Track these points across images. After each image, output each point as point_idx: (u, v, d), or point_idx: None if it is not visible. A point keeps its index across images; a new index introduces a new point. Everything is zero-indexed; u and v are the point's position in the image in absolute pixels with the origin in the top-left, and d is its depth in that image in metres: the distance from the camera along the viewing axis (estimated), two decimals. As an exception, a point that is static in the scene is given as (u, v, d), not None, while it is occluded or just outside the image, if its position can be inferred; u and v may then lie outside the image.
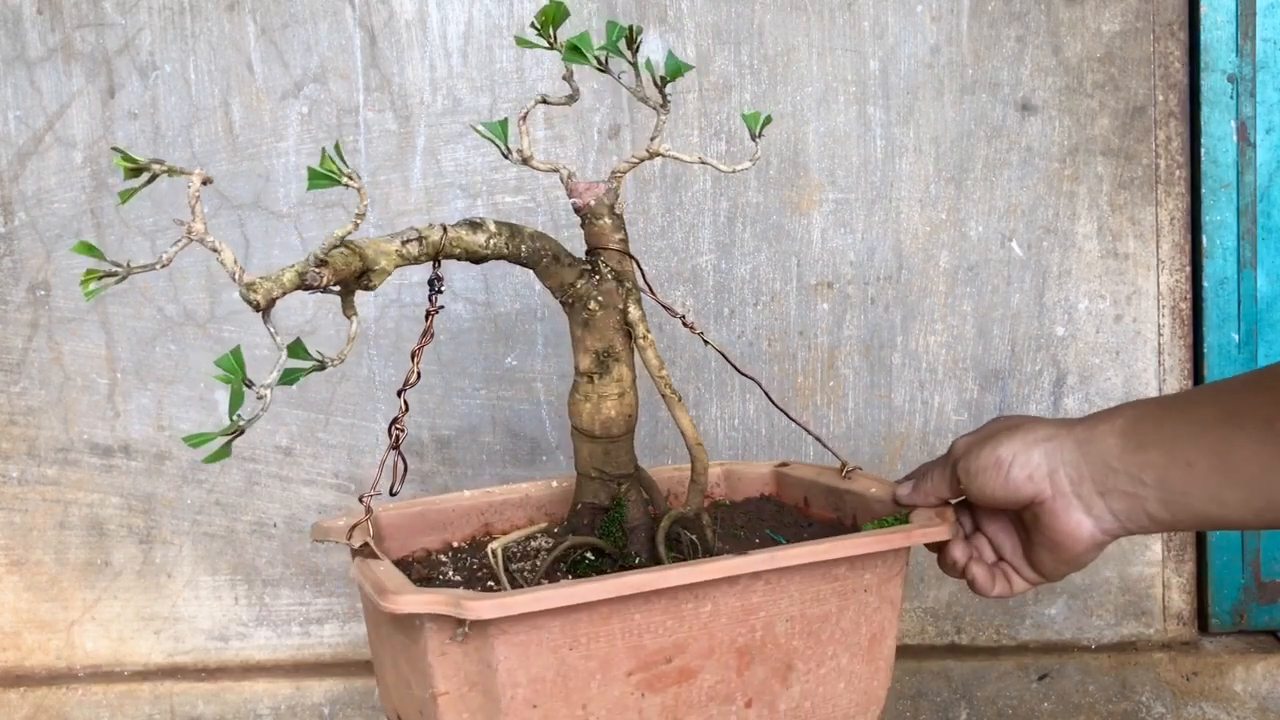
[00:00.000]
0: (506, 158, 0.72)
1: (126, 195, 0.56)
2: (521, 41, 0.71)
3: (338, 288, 0.65)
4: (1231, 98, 1.17)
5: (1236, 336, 1.19)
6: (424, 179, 1.20)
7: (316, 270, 0.63)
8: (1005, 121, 1.18)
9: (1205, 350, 1.19)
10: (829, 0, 1.17)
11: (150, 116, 1.20)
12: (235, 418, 0.60)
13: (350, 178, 0.63)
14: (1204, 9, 1.16)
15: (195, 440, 0.59)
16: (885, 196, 1.19)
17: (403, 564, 0.77)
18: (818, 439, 0.86)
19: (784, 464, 0.91)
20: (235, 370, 0.60)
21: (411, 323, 1.21)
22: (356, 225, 0.63)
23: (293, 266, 0.63)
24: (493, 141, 0.71)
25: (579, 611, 0.61)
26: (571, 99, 0.72)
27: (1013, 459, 0.65)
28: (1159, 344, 1.19)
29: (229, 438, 0.60)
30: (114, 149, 0.56)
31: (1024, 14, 1.16)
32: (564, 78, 0.72)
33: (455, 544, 0.81)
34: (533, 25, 0.70)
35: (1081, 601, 1.21)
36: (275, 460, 1.23)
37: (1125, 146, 1.17)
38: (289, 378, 0.62)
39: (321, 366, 0.61)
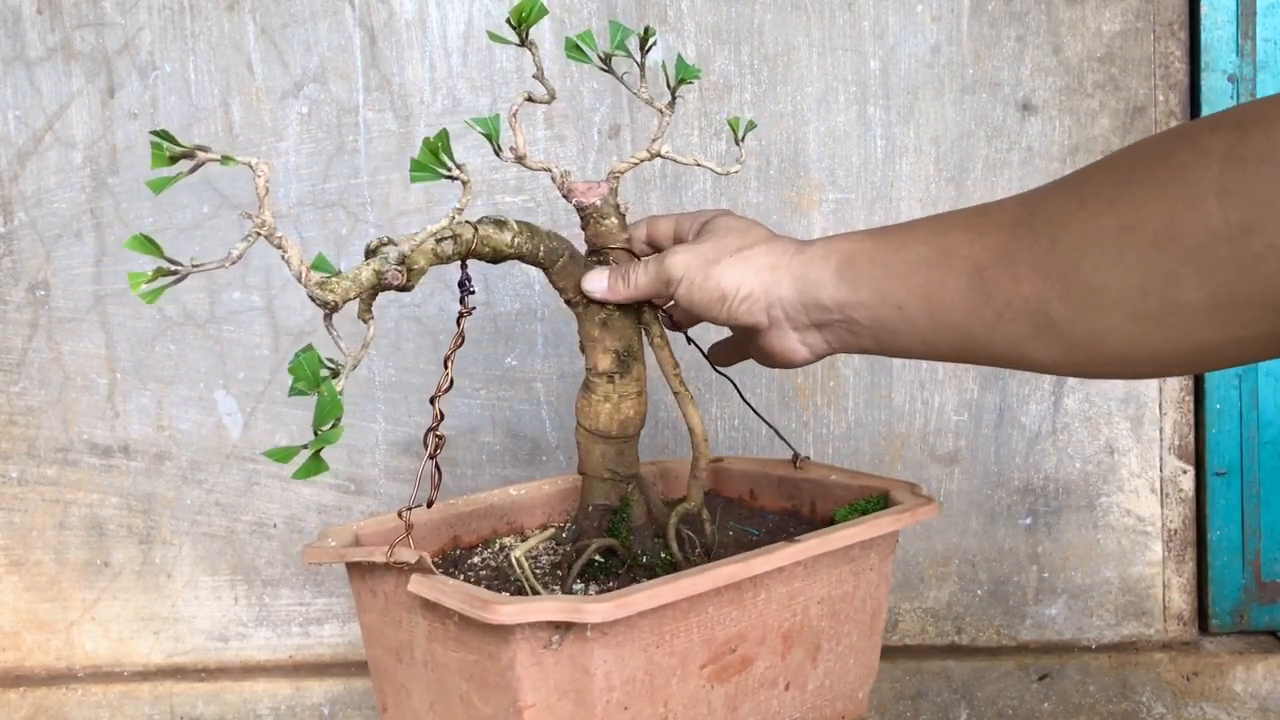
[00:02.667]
0: (498, 155, 0.72)
1: (160, 184, 0.53)
2: (494, 37, 0.70)
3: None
4: (1232, 98, 1.17)
5: (1236, 336, 1.19)
6: (424, 179, 1.19)
7: (398, 269, 0.62)
8: (1006, 121, 1.18)
9: (1205, 350, 1.19)
10: (829, 0, 1.17)
11: (150, 116, 1.20)
12: (321, 430, 0.56)
13: (461, 169, 0.62)
14: (1204, 9, 1.16)
15: (279, 455, 0.55)
16: (885, 196, 1.19)
17: None
18: (776, 431, 0.89)
19: (719, 459, 0.94)
20: (313, 378, 0.57)
21: (411, 323, 1.21)
22: (453, 219, 0.63)
23: (369, 265, 0.61)
24: (486, 137, 0.71)
25: (665, 609, 0.62)
26: (550, 98, 0.72)
27: (736, 292, 0.66)
28: (1159, 344, 1.19)
29: (318, 449, 0.57)
30: (154, 133, 0.53)
31: (1024, 14, 1.16)
32: (534, 76, 0.72)
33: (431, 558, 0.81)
34: (507, 21, 0.69)
35: (1082, 602, 1.22)
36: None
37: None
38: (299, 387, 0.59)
39: (334, 374, 0.59)
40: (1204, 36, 1.16)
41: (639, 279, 0.70)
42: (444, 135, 0.61)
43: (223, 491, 1.24)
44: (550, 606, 0.57)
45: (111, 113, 1.20)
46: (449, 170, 0.62)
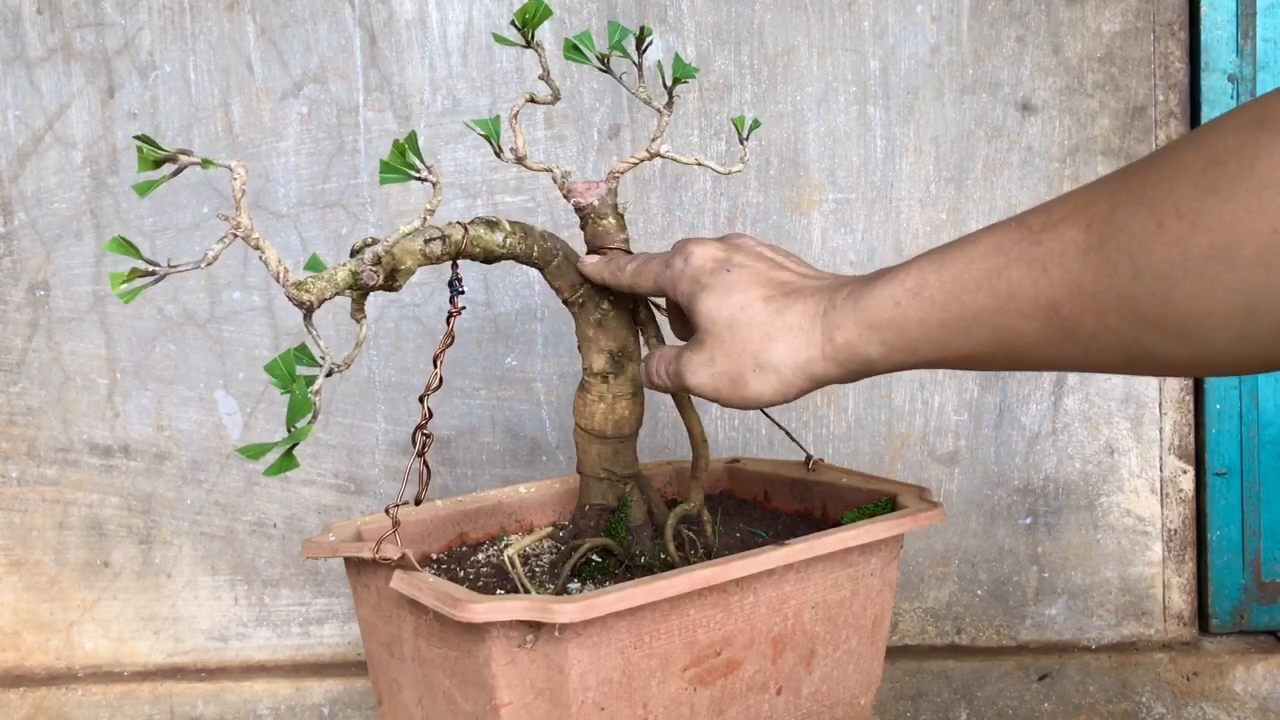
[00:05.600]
0: (499, 155, 0.72)
1: (145, 188, 0.54)
2: (500, 39, 0.70)
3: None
4: (1232, 98, 1.17)
5: (1236, 336, 1.19)
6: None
7: (373, 269, 0.62)
8: (1005, 121, 1.18)
9: (1205, 350, 1.18)
10: (829, 0, 1.17)
11: (150, 116, 1.20)
12: (293, 428, 0.57)
13: (430, 170, 0.62)
14: (1204, 9, 1.16)
15: (251, 452, 0.56)
16: (885, 196, 1.19)
17: None
18: (787, 433, 0.88)
19: (735, 460, 0.93)
20: (288, 376, 0.57)
21: (411, 323, 1.21)
22: (424, 221, 0.63)
23: (345, 265, 0.61)
24: (485, 139, 0.71)
25: (643, 610, 0.61)
26: (555, 99, 0.72)
27: (778, 398, 0.61)
28: (1159, 344, 1.19)
29: (289, 446, 0.57)
30: (138, 137, 0.53)
31: (1024, 14, 1.16)
32: (540, 78, 0.72)
33: (435, 555, 0.81)
34: (512, 23, 0.69)
35: (1082, 602, 1.21)
36: (275, 460, 1.23)
37: (1125, 146, 1.17)
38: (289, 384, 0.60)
39: (329, 372, 0.59)
40: (1204, 36, 1.16)
41: (662, 378, 0.67)
42: (412, 136, 0.61)
43: (223, 491, 1.24)
44: (519, 606, 0.57)
45: (111, 113, 1.20)
46: (418, 171, 0.61)
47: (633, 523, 0.75)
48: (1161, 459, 1.20)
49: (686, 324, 0.71)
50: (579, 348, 0.75)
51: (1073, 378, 1.19)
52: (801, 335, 0.59)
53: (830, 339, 0.59)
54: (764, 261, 0.64)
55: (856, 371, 0.59)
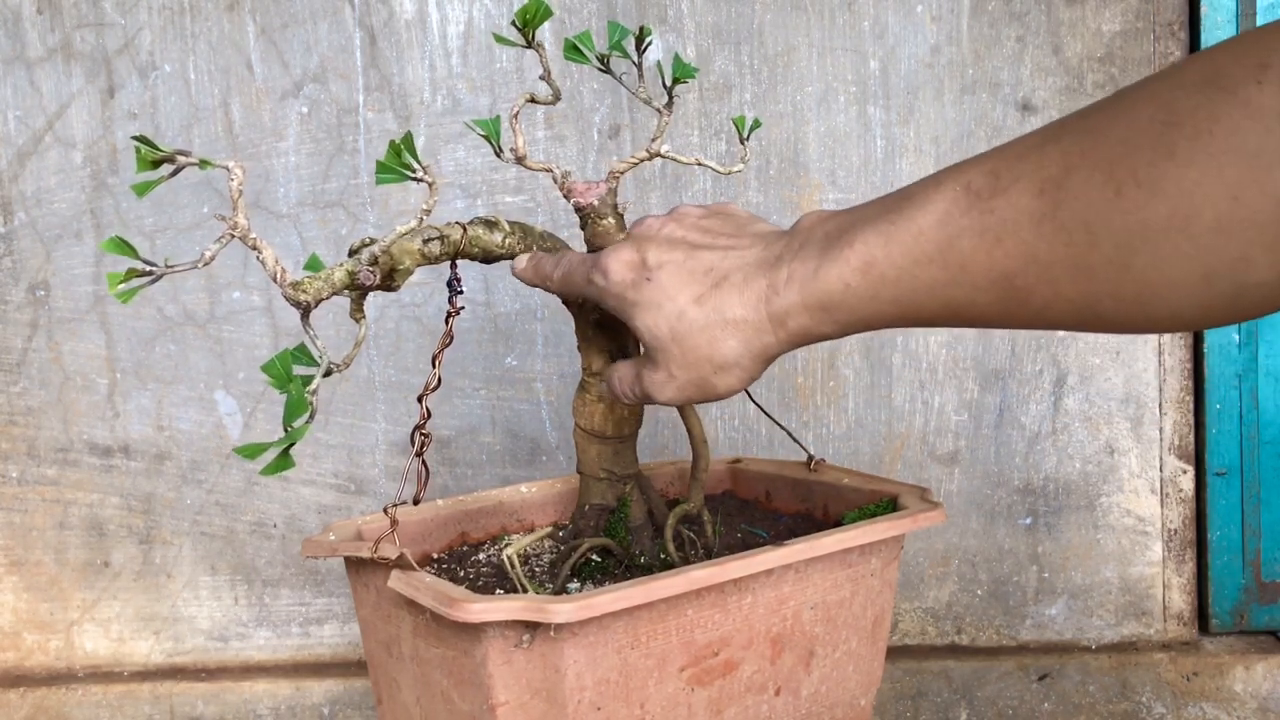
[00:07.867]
0: (499, 155, 0.72)
1: (144, 188, 0.53)
2: (500, 39, 0.70)
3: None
4: (1231, 98, 1.17)
5: (1236, 336, 1.19)
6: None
7: (370, 269, 0.62)
8: (1006, 121, 1.18)
9: (1205, 350, 1.19)
10: (829, 0, 1.17)
11: (150, 116, 1.20)
12: (290, 427, 0.57)
13: (425, 170, 0.62)
14: (1204, 9, 1.16)
15: (248, 451, 0.56)
16: (885, 196, 1.19)
17: None
18: (788, 433, 0.88)
19: (737, 460, 0.93)
20: (285, 376, 0.57)
21: (411, 323, 1.21)
22: (421, 221, 0.63)
23: (342, 265, 0.61)
24: (485, 139, 0.71)
25: (641, 610, 0.61)
26: (555, 99, 0.72)
27: (742, 387, 0.61)
28: (1159, 344, 1.19)
29: (285, 446, 0.57)
30: (135, 138, 0.53)
31: (1024, 14, 1.16)
32: (541, 78, 0.72)
33: (436, 555, 0.81)
34: (513, 23, 0.69)
35: (1082, 602, 1.21)
36: (275, 460, 1.23)
37: (1125, 146, 1.17)
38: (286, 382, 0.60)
39: (328, 372, 0.59)
40: (1204, 36, 1.16)
41: (628, 396, 0.66)
42: (408, 137, 0.61)
43: (223, 491, 1.24)
44: (515, 606, 0.57)
45: (111, 113, 1.20)
46: (414, 171, 0.61)
47: (632, 523, 0.75)
48: (1161, 459, 1.20)
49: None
50: (579, 348, 0.75)
51: (1073, 378, 1.19)
52: (749, 328, 0.58)
53: (782, 324, 0.58)
54: (680, 249, 0.61)
55: (805, 341, 0.59)
